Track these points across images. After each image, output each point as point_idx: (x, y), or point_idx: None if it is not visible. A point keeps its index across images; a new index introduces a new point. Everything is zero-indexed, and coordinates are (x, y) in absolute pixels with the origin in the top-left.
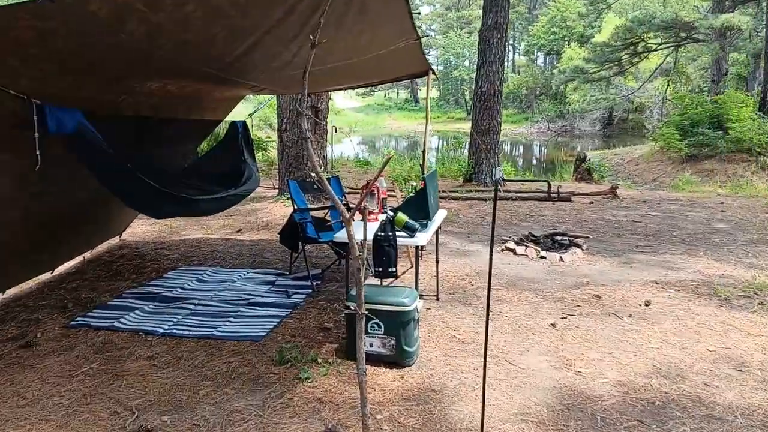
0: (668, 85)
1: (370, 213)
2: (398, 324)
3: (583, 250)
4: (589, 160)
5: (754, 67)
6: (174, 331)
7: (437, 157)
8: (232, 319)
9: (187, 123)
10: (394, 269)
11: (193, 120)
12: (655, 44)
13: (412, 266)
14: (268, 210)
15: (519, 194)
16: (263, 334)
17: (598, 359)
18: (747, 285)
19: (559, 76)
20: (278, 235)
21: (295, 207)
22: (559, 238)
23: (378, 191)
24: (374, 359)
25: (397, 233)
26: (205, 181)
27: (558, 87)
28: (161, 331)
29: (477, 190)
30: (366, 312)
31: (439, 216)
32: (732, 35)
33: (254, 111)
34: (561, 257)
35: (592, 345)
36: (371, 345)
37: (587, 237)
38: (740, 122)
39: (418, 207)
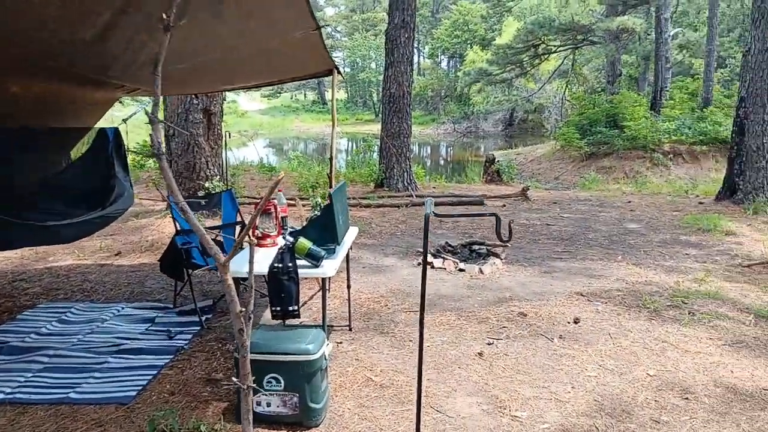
0: (566, 86)
1: (266, 237)
2: (302, 377)
3: (501, 259)
4: (498, 161)
5: (644, 68)
6: (18, 395)
7: (347, 161)
8: (96, 375)
9: (41, 133)
10: (295, 308)
11: (50, 129)
12: (555, 46)
13: (320, 288)
14: (154, 227)
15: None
16: (133, 393)
17: (534, 397)
18: (673, 293)
19: (463, 78)
20: (159, 262)
21: (177, 228)
22: (476, 247)
23: (275, 209)
24: (273, 422)
25: (299, 262)
26: (67, 201)
27: (463, 89)
28: (0, 396)
29: (389, 196)
30: (253, 384)
31: (350, 236)
32: (626, 37)
33: (130, 116)
34: (480, 269)
35: (525, 377)
36: (269, 405)
37: (505, 246)
38: (635, 121)
39: (324, 229)
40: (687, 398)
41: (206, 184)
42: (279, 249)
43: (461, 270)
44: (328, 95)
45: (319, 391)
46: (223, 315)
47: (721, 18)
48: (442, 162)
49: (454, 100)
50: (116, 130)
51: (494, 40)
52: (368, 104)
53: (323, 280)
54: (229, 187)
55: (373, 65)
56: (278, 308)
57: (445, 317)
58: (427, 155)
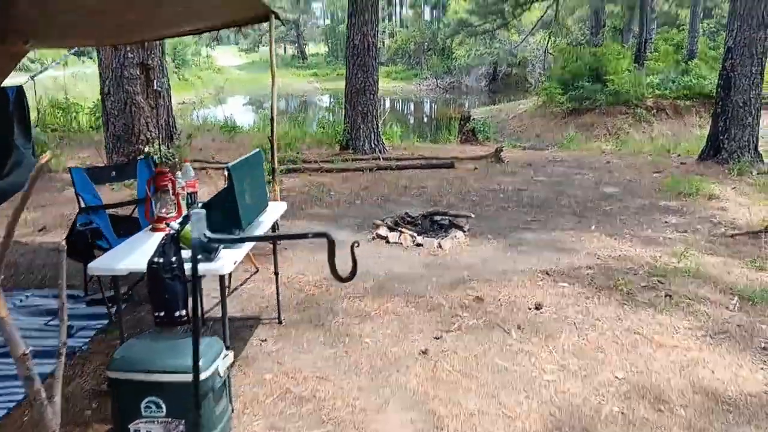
0: (549, 37)
1: (161, 220)
2: (189, 400)
3: (464, 232)
4: (473, 119)
5: (630, 18)
6: None
7: (319, 120)
8: None
9: None
10: (183, 312)
11: None
12: None
13: (257, 270)
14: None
15: (399, 162)
16: (3, 413)
17: (479, 411)
18: (649, 271)
19: (444, 29)
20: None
21: (81, 205)
22: (438, 218)
23: (173, 185)
24: None
25: (187, 255)
26: None
27: (444, 42)
28: None
29: (353, 159)
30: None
31: (270, 215)
32: None
33: (37, 72)
34: (440, 244)
35: (472, 383)
36: None
37: (469, 216)
38: (618, 74)
39: (223, 211)
40: (660, 409)
41: (146, 148)
42: (161, 240)
43: (419, 245)
44: (308, 49)
45: (213, 416)
46: (139, 305)
47: None
48: (425, 119)
49: (437, 53)
50: (18, 89)
51: None
52: None
53: (221, 278)
54: (149, 154)
55: None
56: (161, 314)
57: (393, 304)
58: (411, 112)
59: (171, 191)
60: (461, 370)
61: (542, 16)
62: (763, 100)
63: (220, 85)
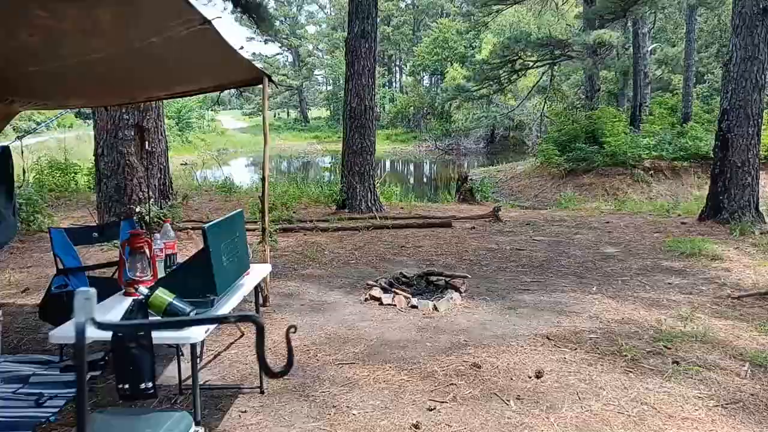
0: (545, 102)
1: (134, 284)
2: None
3: (461, 293)
4: (471, 179)
5: (623, 83)
6: None
7: (314, 180)
8: None
9: None
10: (150, 385)
11: None
12: (532, 61)
13: (242, 334)
14: (88, 258)
15: (395, 222)
16: None
17: None
18: (654, 335)
19: (442, 94)
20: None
21: (59, 267)
22: (434, 278)
23: (149, 248)
24: None
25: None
26: None
27: (442, 106)
28: None
29: (349, 219)
30: None
31: (251, 280)
32: (603, 51)
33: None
34: (435, 306)
35: None
36: None
37: (465, 276)
38: (614, 136)
39: (197, 275)
40: None
41: (138, 209)
42: (128, 307)
43: (413, 307)
44: (310, 113)
45: None
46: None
47: (699, 34)
48: (424, 180)
49: (436, 117)
50: (4, 150)
51: (473, 56)
52: None
53: (192, 348)
54: (132, 215)
55: None
56: (125, 386)
57: (384, 372)
58: (411, 173)
59: (147, 253)
60: None
61: (537, 82)
62: (761, 161)
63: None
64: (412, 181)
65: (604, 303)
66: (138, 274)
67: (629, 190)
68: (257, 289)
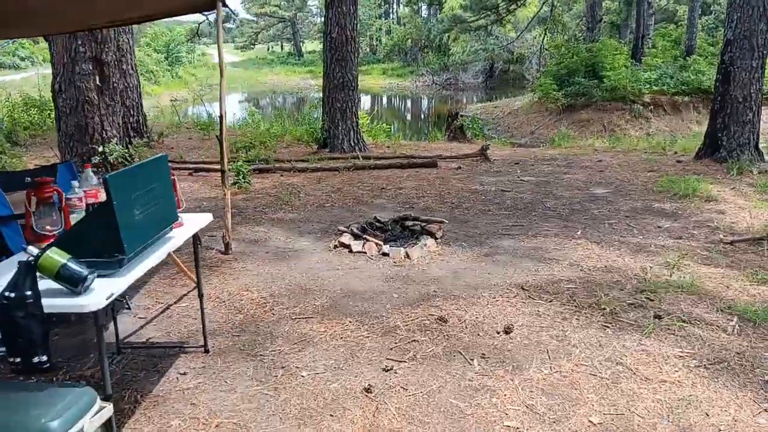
0: (545, 33)
1: (42, 239)
2: None
3: (437, 239)
4: (461, 116)
5: (627, 14)
6: None
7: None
8: None
9: None
10: (44, 358)
11: None
12: None
13: (197, 285)
14: None
15: (378, 162)
16: None
17: None
18: (637, 285)
19: (437, 25)
20: None
21: None
22: (410, 223)
23: (61, 196)
24: None
25: (47, 287)
26: None
27: (438, 38)
28: None
29: (330, 158)
30: None
31: (182, 233)
32: None
33: None
34: (407, 253)
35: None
36: None
37: (442, 222)
38: (614, 70)
39: (101, 233)
40: None
41: (101, 149)
42: (16, 270)
43: (384, 254)
44: (304, 47)
45: None
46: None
47: None
48: (422, 117)
49: (434, 50)
50: None
51: None
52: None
53: (95, 315)
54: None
55: (359, 12)
56: (17, 360)
57: (343, 327)
58: (408, 109)
59: (59, 203)
60: (407, 414)
61: (538, 12)
62: (763, 96)
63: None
64: (408, 117)
65: (587, 249)
66: (48, 227)
67: (627, 126)
68: (195, 240)
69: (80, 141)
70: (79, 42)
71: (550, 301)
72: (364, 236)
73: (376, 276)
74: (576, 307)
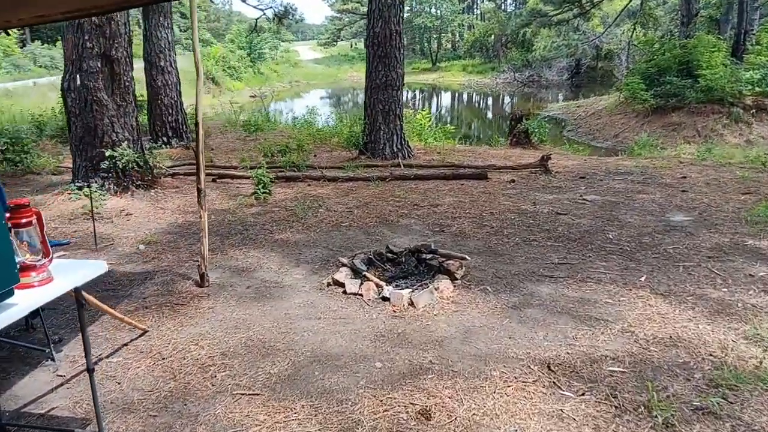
0: (634, 28)
1: (28, 270)
2: None
3: (455, 280)
4: (527, 119)
5: (728, 8)
6: None
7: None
8: None
9: None
10: None
11: None
12: None
13: (144, 332)
14: (49, 206)
15: (420, 171)
16: None
17: None
18: (711, 374)
19: (515, 20)
20: None
21: None
22: (428, 256)
23: (40, 219)
24: None
25: None
26: None
27: (521, 33)
28: None
29: (367, 165)
30: None
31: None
32: None
33: None
34: (411, 300)
35: None
36: None
37: (463, 258)
38: (711, 69)
39: None
40: None
41: (108, 152)
42: None
43: (384, 299)
44: None
45: None
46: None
47: None
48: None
49: (517, 46)
50: None
51: None
52: (425, 52)
53: None
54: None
55: (432, 10)
56: None
57: (290, 414)
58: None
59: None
60: None
61: (627, 5)
62: None
63: (295, 80)
64: (489, 115)
65: (650, 305)
66: (29, 258)
67: (725, 131)
68: (78, 299)
69: (89, 143)
70: (86, 37)
71: (582, 395)
72: (365, 273)
73: (364, 332)
74: (616, 408)
